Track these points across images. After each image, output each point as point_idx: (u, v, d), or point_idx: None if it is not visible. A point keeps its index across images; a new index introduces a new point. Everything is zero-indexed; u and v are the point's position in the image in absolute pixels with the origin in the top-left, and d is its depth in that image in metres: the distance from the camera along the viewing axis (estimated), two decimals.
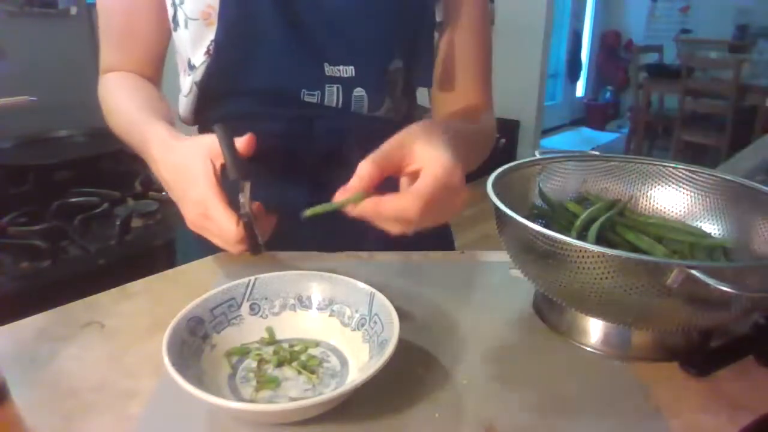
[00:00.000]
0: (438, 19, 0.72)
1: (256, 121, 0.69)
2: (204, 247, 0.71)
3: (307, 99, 0.69)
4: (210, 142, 0.55)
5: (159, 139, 0.59)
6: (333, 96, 0.70)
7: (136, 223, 1.50)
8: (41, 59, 1.89)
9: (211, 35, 0.67)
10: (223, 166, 0.55)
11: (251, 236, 0.54)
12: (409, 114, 0.79)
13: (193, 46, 0.69)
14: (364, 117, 0.72)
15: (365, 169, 0.50)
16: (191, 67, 0.70)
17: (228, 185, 0.55)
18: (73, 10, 1.95)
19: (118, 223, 1.42)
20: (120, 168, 1.72)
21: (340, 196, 0.50)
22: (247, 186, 0.55)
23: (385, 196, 0.49)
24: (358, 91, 0.70)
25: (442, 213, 0.53)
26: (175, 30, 0.70)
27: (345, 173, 0.52)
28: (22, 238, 1.36)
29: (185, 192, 0.55)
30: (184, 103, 0.74)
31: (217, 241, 0.55)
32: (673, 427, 0.45)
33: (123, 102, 0.70)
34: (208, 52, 0.68)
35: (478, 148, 0.72)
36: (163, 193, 1.65)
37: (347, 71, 0.69)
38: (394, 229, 0.51)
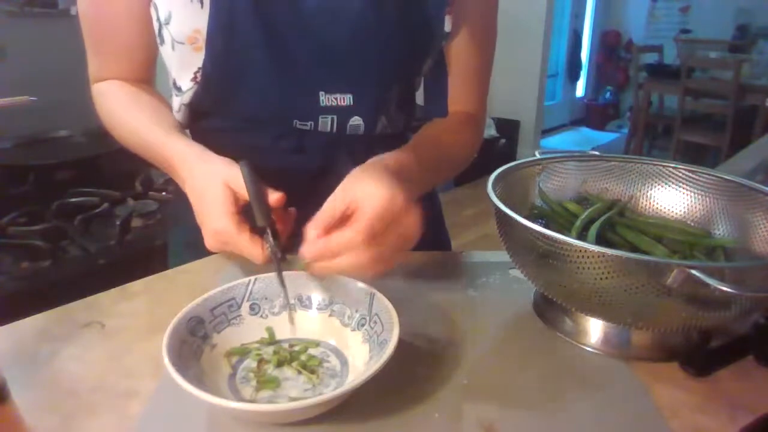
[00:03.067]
0: (447, 29, 0.70)
1: (247, 135, 0.68)
2: (197, 251, 0.71)
3: (299, 128, 0.68)
4: (232, 174, 0.54)
5: (181, 158, 0.58)
6: (327, 126, 0.68)
7: (136, 223, 1.50)
8: (41, 59, 1.89)
9: (198, 61, 0.64)
10: (248, 203, 0.53)
11: (277, 260, 0.53)
12: (408, 123, 0.77)
13: (180, 69, 0.66)
14: (360, 136, 0.70)
15: (312, 235, 0.49)
16: (178, 89, 0.68)
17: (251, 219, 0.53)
18: (73, 10, 1.94)
19: (118, 223, 1.42)
20: (120, 168, 1.73)
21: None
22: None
23: (330, 235, 0.49)
24: (355, 120, 0.68)
25: (399, 235, 0.50)
26: (161, 45, 0.66)
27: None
28: (22, 238, 1.36)
29: (205, 219, 0.53)
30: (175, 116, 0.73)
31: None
32: (673, 427, 0.45)
33: (132, 120, 0.67)
34: (195, 78, 0.66)
35: (444, 167, 0.71)
36: (163, 194, 1.65)
37: (345, 99, 0.66)
38: (362, 267, 0.49)
